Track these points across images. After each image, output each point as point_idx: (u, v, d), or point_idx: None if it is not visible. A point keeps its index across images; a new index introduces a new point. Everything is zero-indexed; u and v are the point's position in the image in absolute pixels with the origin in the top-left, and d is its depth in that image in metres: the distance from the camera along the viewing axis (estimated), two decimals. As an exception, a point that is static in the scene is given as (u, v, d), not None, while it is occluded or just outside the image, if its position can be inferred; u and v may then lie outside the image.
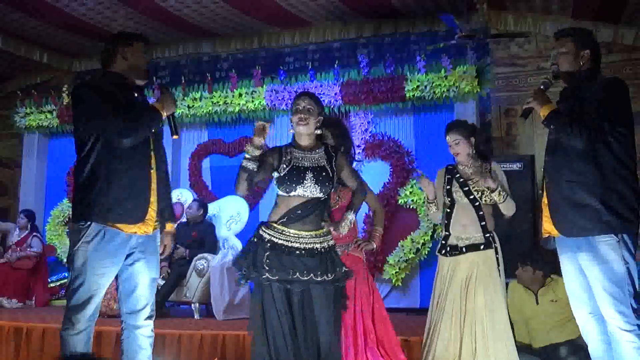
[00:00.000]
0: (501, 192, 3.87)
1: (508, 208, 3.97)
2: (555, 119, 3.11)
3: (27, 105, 9.21)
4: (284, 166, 3.33)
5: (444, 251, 4.08)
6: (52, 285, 8.53)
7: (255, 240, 3.33)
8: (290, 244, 3.26)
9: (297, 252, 3.25)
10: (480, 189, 3.97)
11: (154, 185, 3.27)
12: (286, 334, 3.17)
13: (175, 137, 3.38)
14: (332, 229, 3.38)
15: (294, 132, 3.45)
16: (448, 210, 4.10)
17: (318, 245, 3.30)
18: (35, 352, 5.58)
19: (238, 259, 3.35)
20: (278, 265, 3.20)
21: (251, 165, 3.26)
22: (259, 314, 3.26)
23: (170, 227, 3.52)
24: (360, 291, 4.00)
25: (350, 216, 3.46)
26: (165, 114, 3.28)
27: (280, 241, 3.27)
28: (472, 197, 4.00)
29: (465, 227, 4.00)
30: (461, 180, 4.07)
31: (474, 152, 4.09)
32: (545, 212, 3.27)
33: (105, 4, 7.59)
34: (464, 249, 3.98)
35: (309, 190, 3.29)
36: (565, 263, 3.29)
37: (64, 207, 9.07)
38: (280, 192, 3.36)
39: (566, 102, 3.23)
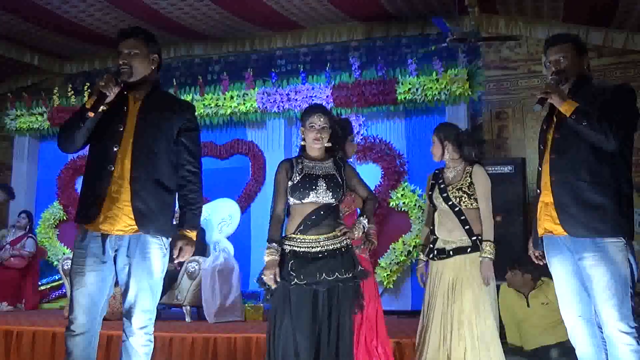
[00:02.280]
0: (488, 246, 3.90)
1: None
2: (586, 116, 3.03)
3: (17, 107, 9.18)
4: (297, 175, 3.46)
5: (432, 255, 4.08)
6: (42, 288, 8.51)
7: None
8: (312, 250, 3.39)
9: (320, 255, 3.38)
10: (459, 194, 3.99)
11: (114, 185, 3.15)
12: (300, 352, 3.24)
13: (90, 113, 3.11)
14: (347, 235, 3.46)
15: (305, 144, 3.57)
16: (434, 215, 4.13)
17: (338, 246, 3.42)
18: (25, 355, 5.56)
19: (262, 277, 3.44)
20: (304, 271, 3.33)
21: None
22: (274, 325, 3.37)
23: (187, 233, 3.31)
24: (369, 292, 4.00)
25: (364, 221, 3.56)
26: (90, 103, 3.10)
27: (301, 249, 3.39)
28: (450, 203, 4.01)
29: (450, 231, 4.01)
30: (442, 186, 4.08)
31: (457, 156, 4.10)
32: (546, 211, 3.21)
33: (96, 7, 7.57)
34: (450, 252, 3.97)
35: (321, 196, 3.42)
36: (556, 264, 3.25)
37: (55, 210, 9.05)
38: (294, 200, 3.45)
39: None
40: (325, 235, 3.41)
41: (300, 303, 3.31)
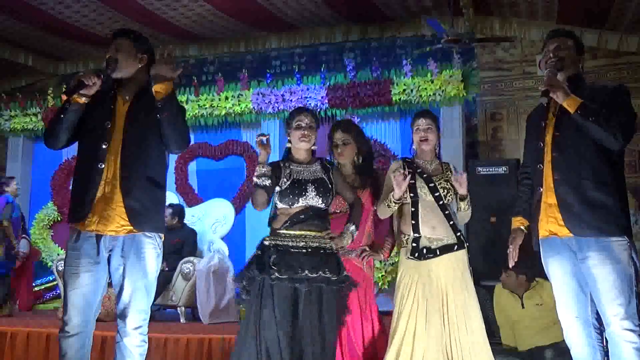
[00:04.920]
0: (469, 202, 3.74)
1: (466, 218, 3.85)
2: (593, 112, 2.98)
3: (11, 108, 9.15)
4: (285, 180, 3.38)
5: (417, 254, 3.69)
6: (36, 289, 8.48)
7: (259, 252, 3.36)
8: (295, 244, 3.31)
9: (304, 250, 3.30)
10: (447, 187, 3.77)
11: (107, 185, 3.14)
12: (282, 347, 3.17)
13: (63, 96, 3.17)
14: (334, 241, 3.39)
15: (291, 147, 3.52)
16: (413, 209, 3.77)
17: (323, 245, 3.35)
18: (19, 356, 5.54)
19: (241, 273, 3.36)
20: (285, 265, 3.23)
21: (266, 182, 3.31)
22: (252, 321, 3.25)
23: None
24: (358, 304, 3.85)
25: (352, 228, 3.48)
26: (65, 97, 3.14)
27: (284, 243, 3.31)
28: (437, 194, 3.75)
29: (434, 228, 3.72)
30: (425, 175, 3.77)
31: (437, 149, 3.92)
32: (549, 212, 3.17)
33: (90, 7, 7.56)
34: (437, 251, 3.68)
35: (311, 202, 3.36)
36: (554, 265, 3.21)
37: (49, 211, 9.05)
38: (282, 206, 3.39)
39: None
40: (312, 233, 3.34)
41: (281, 299, 3.20)
